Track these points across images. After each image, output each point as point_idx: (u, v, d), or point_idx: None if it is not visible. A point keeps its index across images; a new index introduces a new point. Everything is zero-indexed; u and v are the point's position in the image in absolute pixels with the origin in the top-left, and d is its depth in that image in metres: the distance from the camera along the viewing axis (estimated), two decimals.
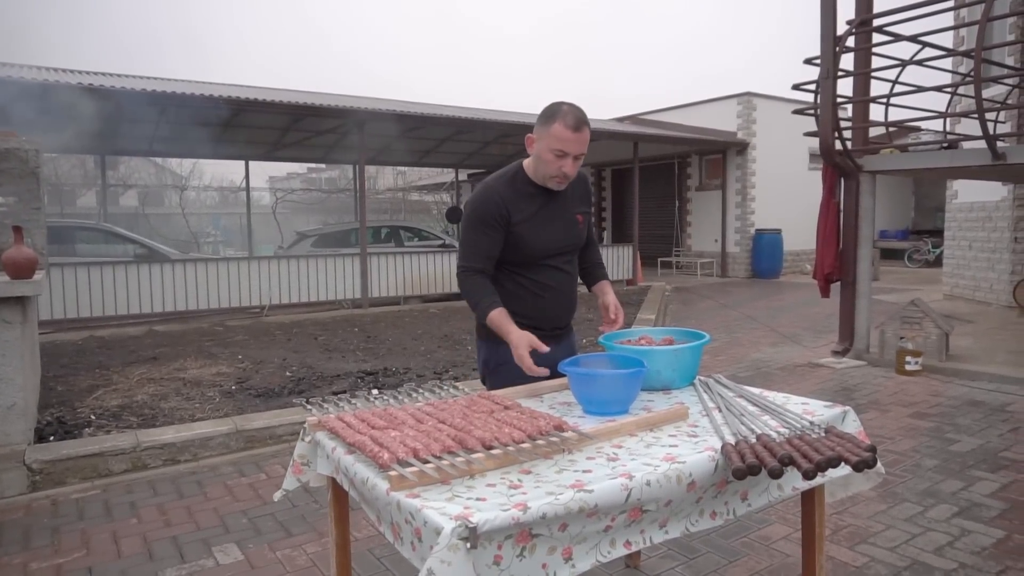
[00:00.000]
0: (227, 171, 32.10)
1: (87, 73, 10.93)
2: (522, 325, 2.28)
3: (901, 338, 6.09)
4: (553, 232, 2.42)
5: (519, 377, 2.28)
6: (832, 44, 6.28)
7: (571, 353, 2.48)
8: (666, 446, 1.78)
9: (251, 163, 15.65)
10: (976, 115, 5.42)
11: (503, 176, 2.42)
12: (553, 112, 2.26)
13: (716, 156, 15.76)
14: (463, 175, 20.47)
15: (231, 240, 23.84)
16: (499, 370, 2.41)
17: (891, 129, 7.80)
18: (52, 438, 4.20)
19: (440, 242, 13.60)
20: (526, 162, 2.42)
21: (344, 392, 4.97)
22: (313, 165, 32.11)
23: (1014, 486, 3.44)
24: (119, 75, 11.38)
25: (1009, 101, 8.23)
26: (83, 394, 5.45)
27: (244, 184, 16.35)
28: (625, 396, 2.05)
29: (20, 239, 3.87)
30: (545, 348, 2.19)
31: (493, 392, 2.25)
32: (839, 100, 6.47)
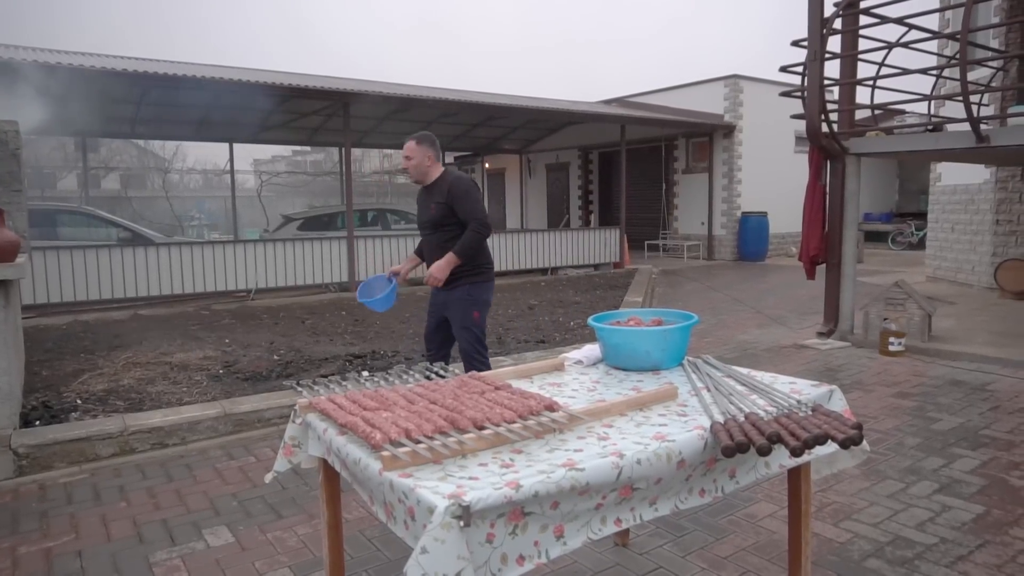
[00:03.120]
0: (211, 154, 31.76)
1: (66, 53, 10.72)
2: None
3: (885, 319, 6.17)
4: (419, 213, 4.03)
5: (428, 311, 4.10)
6: (819, 26, 6.28)
7: (451, 300, 3.93)
8: (656, 425, 1.80)
9: (235, 145, 15.48)
10: (961, 98, 5.46)
11: None
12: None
13: (703, 139, 15.76)
14: (450, 158, 20.39)
15: (216, 223, 23.63)
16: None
17: (877, 112, 7.84)
18: (38, 423, 4.17)
19: None
20: None
21: (333, 374, 4.97)
22: (298, 148, 31.84)
23: (993, 463, 3.51)
24: (99, 55, 11.18)
25: (993, 84, 8.29)
26: (68, 378, 5.40)
27: (228, 167, 16.18)
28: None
29: (1, 222, 3.82)
30: (395, 269, 4.10)
31: (484, 373, 2.27)
32: (826, 82, 6.49)
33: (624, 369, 2.38)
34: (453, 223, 3.81)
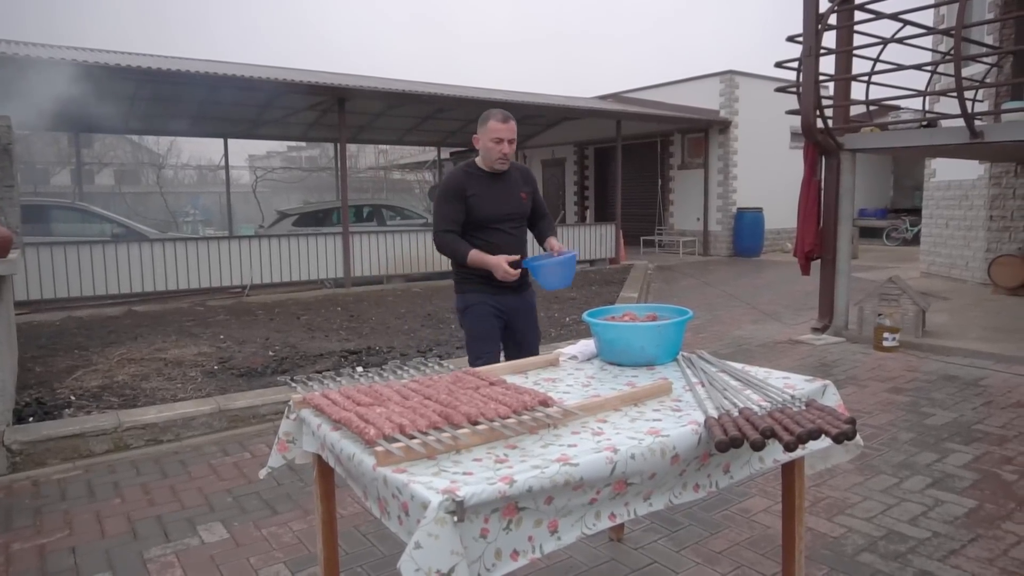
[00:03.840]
0: (205, 149, 31.65)
1: (59, 47, 10.65)
2: (479, 278, 3.19)
3: (879, 315, 6.18)
4: (497, 204, 3.22)
5: (486, 315, 3.25)
6: (814, 22, 6.28)
7: (526, 306, 3.39)
8: (650, 420, 1.80)
9: (230, 141, 15.41)
10: (955, 94, 5.47)
11: (460, 167, 3.28)
12: (487, 115, 3.16)
13: (698, 135, 15.76)
14: (445, 153, 20.34)
15: (210, 219, 23.54)
16: (470, 310, 3.27)
17: (872, 108, 7.85)
18: (31, 419, 4.16)
19: (423, 221, 13.52)
20: (477, 158, 3.27)
21: (328, 370, 4.97)
22: (293, 143, 31.72)
23: (986, 458, 3.53)
24: (92, 49, 11.12)
25: (988, 79, 8.30)
26: (62, 375, 5.38)
27: (223, 162, 16.11)
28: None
29: None
30: (515, 257, 3.08)
31: (478, 368, 2.26)
32: (821, 78, 6.49)
33: (619, 364, 2.39)
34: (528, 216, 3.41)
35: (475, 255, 3.11)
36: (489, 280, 3.16)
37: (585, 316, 2.49)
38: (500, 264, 3.03)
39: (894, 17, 6.44)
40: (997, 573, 2.47)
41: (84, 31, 63.64)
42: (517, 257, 3.05)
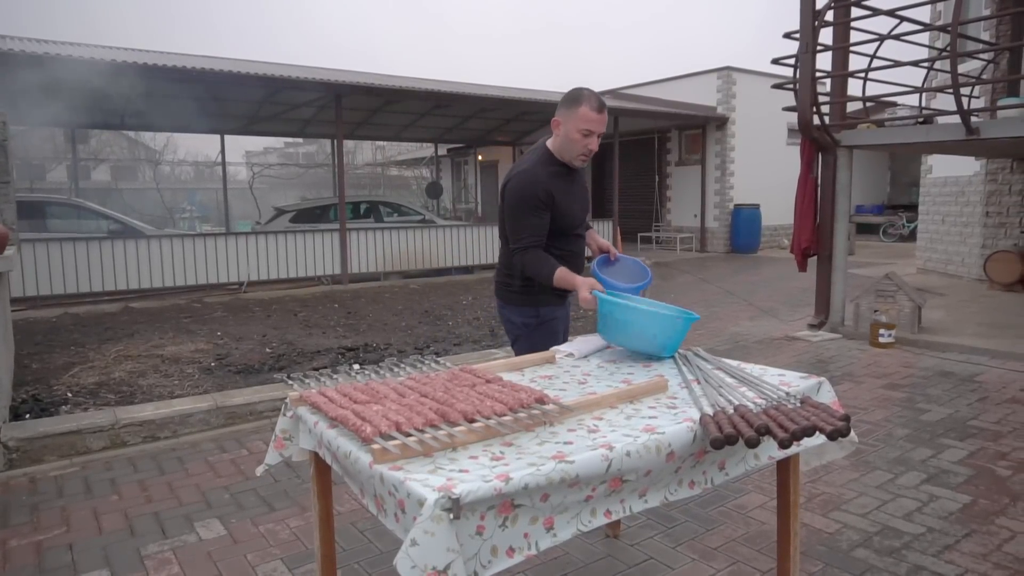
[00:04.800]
0: (202, 145, 31.62)
1: (55, 43, 10.61)
2: (552, 288, 2.63)
3: (875, 311, 6.20)
4: (579, 205, 2.75)
5: (557, 331, 2.81)
6: (811, 18, 6.28)
7: (566, 318, 2.92)
8: (646, 417, 1.81)
9: (227, 137, 15.35)
10: (951, 90, 5.47)
11: (536, 160, 2.64)
12: (577, 97, 2.53)
13: (696, 131, 15.76)
14: (442, 149, 20.31)
15: (207, 216, 23.49)
16: (545, 326, 2.80)
17: (868, 104, 7.86)
18: (28, 416, 4.16)
19: (420, 217, 13.51)
20: (549, 143, 2.66)
21: (325, 367, 4.96)
22: (290, 139, 31.67)
23: (980, 453, 3.54)
24: (88, 45, 11.07)
25: (984, 76, 8.31)
26: (59, 372, 5.38)
27: (220, 159, 16.06)
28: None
29: None
30: (598, 285, 2.49)
31: (475, 366, 2.26)
32: (818, 75, 6.49)
33: (622, 348, 2.38)
34: None
35: (563, 274, 2.58)
36: (560, 289, 2.70)
37: (599, 295, 2.38)
38: (584, 289, 2.47)
39: (891, 13, 6.44)
40: (991, 568, 2.49)
41: (83, 27, 63.56)
42: (601, 287, 2.51)
